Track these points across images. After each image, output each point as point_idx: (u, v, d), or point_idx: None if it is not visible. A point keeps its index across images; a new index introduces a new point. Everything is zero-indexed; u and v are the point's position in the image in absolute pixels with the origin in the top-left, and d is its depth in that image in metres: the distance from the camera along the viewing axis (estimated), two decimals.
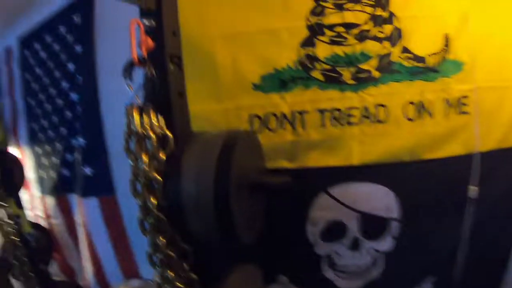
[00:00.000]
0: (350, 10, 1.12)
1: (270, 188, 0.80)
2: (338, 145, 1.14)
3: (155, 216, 0.76)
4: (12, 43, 2.23)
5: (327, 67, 1.13)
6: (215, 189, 0.71)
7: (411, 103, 1.13)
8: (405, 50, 1.13)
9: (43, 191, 2.30)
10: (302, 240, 1.19)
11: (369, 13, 1.12)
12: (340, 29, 1.12)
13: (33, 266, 1.47)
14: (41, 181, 2.29)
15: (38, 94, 2.10)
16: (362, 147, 1.13)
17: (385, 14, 1.12)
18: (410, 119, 1.13)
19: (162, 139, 0.79)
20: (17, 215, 1.55)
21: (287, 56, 1.14)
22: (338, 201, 1.15)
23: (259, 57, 1.16)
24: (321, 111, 1.13)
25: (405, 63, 1.13)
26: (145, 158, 0.76)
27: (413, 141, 1.14)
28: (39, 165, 2.28)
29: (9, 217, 1.50)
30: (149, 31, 0.81)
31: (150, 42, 0.79)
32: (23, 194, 2.54)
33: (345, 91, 1.13)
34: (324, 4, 1.12)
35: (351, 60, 1.12)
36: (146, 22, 0.80)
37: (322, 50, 1.13)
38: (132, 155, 0.78)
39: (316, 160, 1.15)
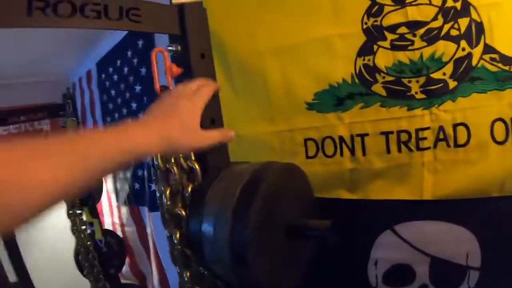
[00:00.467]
0: (413, 5, 0.89)
1: (308, 234, 0.68)
2: (407, 175, 0.93)
3: (179, 250, 0.73)
4: (91, 67, 2.45)
5: (390, 78, 0.92)
6: (231, 233, 0.63)
7: (501, 120, 0.85)
8: (489, 49, 0.86)
9: (119, 201, 2.49)
10: (362, 283, 1.02)
11: (437, 6, 0.88)
12: (403, 30, 0.91)
13: (103, 269, 1.56)
14: (117, 192, 2.48)
15: (114, 113, 2.27)
16: (436, 177, 0.90)
17: (458, 5, 0.87)
18: (499, 142, 0.86)
19: (190, 171, 0.74)
20: (91, 222, 1.67)
21: (342, 68, 0.97)
22: (405, 241, 0.95)
23: (310, 71, 1.01)
24: (385, 134, 0.94)
25: (490, 67, 0.85)
26: (168, 192, 0.71)
27: (503, 171, 0.86)
28: (116, 177, 2.46)
29: (83, 224, 1.63)
30: (175, 57, 0.77)
31: (175, 69, 0.74)
32: (102, 203, 2.79)
33: (414, 108, 0.90)
34: (381, 1, 0.92)
35: (419, 68, 0.90)
36: (171, 47, 0.75)
37: (383, 58, 0.93)
38: (158, 189, 0.74)
39: (380, 192, 0.96)
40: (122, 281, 2.41)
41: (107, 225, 2.76)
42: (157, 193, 0.75)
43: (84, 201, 1.64)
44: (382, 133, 0.93)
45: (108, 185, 2.59)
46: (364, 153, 0.96)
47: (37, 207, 0.38)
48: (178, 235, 0.73)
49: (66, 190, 0.41)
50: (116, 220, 2.58)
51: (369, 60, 0.94)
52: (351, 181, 1.00)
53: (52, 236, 3.11)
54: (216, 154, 0.78)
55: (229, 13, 1.13)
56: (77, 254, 1.67)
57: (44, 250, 3.10)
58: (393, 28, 0.91)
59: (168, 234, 0.75)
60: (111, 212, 2.67)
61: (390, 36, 0.92)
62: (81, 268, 1.66)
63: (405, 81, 0.91)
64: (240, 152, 1.19)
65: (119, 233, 2.51)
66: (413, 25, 0.90)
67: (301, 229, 0.67)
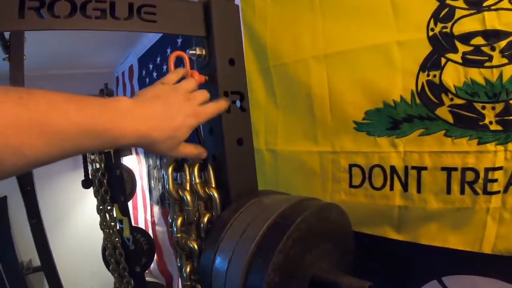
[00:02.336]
0: (492, 10, 0.69)
1: None
2: (466, 222, 0.76)
3: (188, 285, 0.64)
4: (133, 62, 2.45)
5: (460, 101, 0.74)
6: (246, 275, 0.51)
7: None
8: None
9: (152, 200, 2.48)
10: None
11: None
12: (479, 41, 0.71)
13: (128, 266, 1.55)
14: (151, 191, 2.47)
15: None
16: (501, 228, 0.73)
17: None
18: None
19: (208, 199, 0.63)
20: (120, 220, 1.66)
21: (401, 83, 0.79)
22: None
23: (362, 84, 0.85)
24: (447, 170, 0.76)
25: None
26: (180, 222, 0.61)
27: None
28: (150, 176, 2.45)
29: (113, 220, 1.62)
30: (198, 63, 0.66)
31: (197, 77, 0.63)
32: (137, 199, 2.81)
33: (486, 142, 0.72)
34: (452, 2, 0.73)
35: (496, 92, 0.70)
36: (193, 51, 0.64)
37: (453, 74, 0.73)
38: (170, 215, 0.64)
39: (432, 237, 0.80)
40: (148, 279, 2.41)
41: (140, 221, 2.78)
42: (169, 219, 0.65)
43: (115, 198, 1.63)
44: (444, 168, 0.76)
45: (143, 182, 2.60)
46: (419, 190, 0.79)
47: None
48: (188, 269, 0.63)
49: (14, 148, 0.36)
50: (149, 218, 2.58)
51: (434, 76, 0.75)
52: (399, 220, 0.84)
53: (82, 229, 3.21)
54: (241, 180, 0.66)
55: (273, 11, 1.01)
56: (104, 249, 1.67)
57: (73, 240, 3.21)
58: (466, 38, 0.72)
59: (179, 265, 0.65)
60: (145, 210, 2.68)
61: (462, 48, 0.73)
62: (107, 263, 1.66)
63: (478, 106, 0.72)
64: (276, 169, 1.08)
65: (150, 231, 2.52)
66: (492, 36, 0.70)
67: (330, 285, 0.53)
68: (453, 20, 0.73)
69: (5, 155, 0.35)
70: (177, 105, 0.54)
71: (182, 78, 0.62)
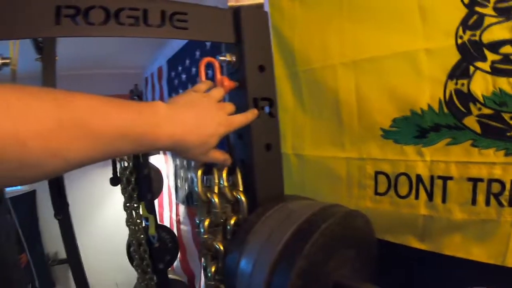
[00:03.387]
0: None
1: None
2: (490, 234, 0.74)
3: (212, 285, 0.65)
4: (162, 64, 2.51)
5: (488, 111, 0.72)
6: (269, 278, 0.53)
7: None
8: None
9: (178, 199, 2.53)
10: None
11: None
12: (508, 50, 0.69)
13: (152, 263, 1.59)
14: (177, 190, 2.52)
15: None
16: None
17: None
18: None
19: (235, 202, 0.65)
20: (146, 217, 1.70)
21: (428, 92, 0.78)
22: None
23: (390, 92, 0.84)
24: (473, 181, 0.74)
25: None
26: (207, 224, 0.63)
27: None
28: (177, 176, 2.50)
29: (139, 218, 1.65)
30: (228, 69, 0.68)
31: (227, 83, 0.65)
32: (163, 197, 2.87)
33: None
34: (481, 10, 0.71)
35: None
36: (223, 57, 0.66)
37: (481, 84, 0.71)
38: (198, 217, 0.66)
39: (456, 248, 0.78)
40: (171, 276, 2.46)
41: (166, 220, 2.84)
42: (196, 220, 0.67)
43: (142, 196, 1.66)
44: (470, 179, 0.74)
45: (170, 181, 2.66)
46: (444, 200, 0.78)
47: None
48: (213, 270, 0.65)
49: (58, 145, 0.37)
50: (174, 217, 2.63)
51: (463, 84, 0.74)
52: (423, 229, 0.82)
53: (108, 225, 3.31)
54: (268, 185, 0.68)
55: (302, 15, 1.01)
56: (129, 245, 1.71)
57: (99, 235, 3.31)
58: (495, 46, 0.70)
59: (204, 265, 0.67)
60: (170, 208, 2.74)
61: (491, 56, 0.71)
62: (131, 259, 1.70)
63: (506, 116, 0.70)
64: (303, 173, 1.09)
65: (175, 229, 2.57)
66: None
67: None
68: (482, 28, 0.71)
69: (45, 159, 0.36)
70: (210, 113, 0.56)
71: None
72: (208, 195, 0.63)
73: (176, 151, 0.53)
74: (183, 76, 2.16)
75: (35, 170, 0.36)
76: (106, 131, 0.41)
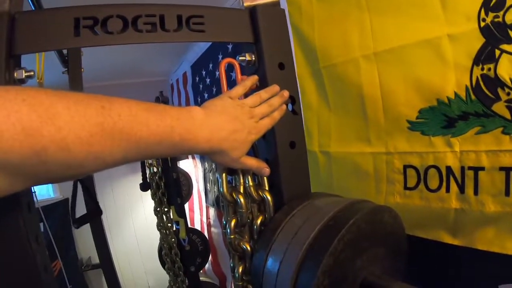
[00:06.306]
0: None
1: None
2: None
3: (240, 285, 0.65)
4: (187, 69, 2.55)
5: None
6: (296, 275, 0.52)
7: None
8: None
9: (208, 202, 2.55)
10: None
11: None
12: None
13: (183, 266, 1.59)
14: (206, 193, 2.55)
15: None
16: None
17: None
18: None
19: (261, 201, 0.65)
20: (177, 221, 1.74)
21: (454, 79, 0.74)
22: None
23: (414, 81, 0.81)
24: (506, 170, 0.70)
25: None
26: (233, 224, 0.63)
27: None
28: (206, 179, 2.53)
29: (170, 222, 1.69)
30: (248, 68, 0.68)
31: (250, 81, 0.65)
32: (194, 200, 2.91)
33: None
34: None
35: None
36: (243, 57, 0.66)
37: (508, 67, 0.67)
38: (224, 217, 0.66)
39: (489, 242, 0.74)
40: (202, 278, 2.49)
41: (196, 223, 2.88)
42: (223, 220, 0.67)
43: (172, 200, 1.70)
44: (502, 168, 0.70)
45: (200, 185, 2.69)
46: (476, 192, 0.74)
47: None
48: (240, 270, 0.65)
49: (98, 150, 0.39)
50: (204, 219, 2.66)
51: (489, 69, 0.70)
52: (455, 224, 0.79)
53: (140, 229, 3.38)
54: (294, 183, 0.67)
55: (320, 11, 1.00)
56: (160, 249, 1.76)
57: (131, 240, 3.39)
58: None
59: (231, 265, 0.67)
60: (201, 211, 2.77)
61: None
62: (163, 262, 1.74)
63: None
64: (330, 170, 1.07)
65: (206, 232, 2.60)
66: None
67: None
68: (505, 8, 0.66)
69: (87, 161, 0.38)
70: (243, 121, 0.57)
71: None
72: (234, 195, 0.63)
73: (211, 155, 0.55)
74: (207, 80, 2.18)
75: (77, 170, 0.39)
76: (145, 137, 0.43)
